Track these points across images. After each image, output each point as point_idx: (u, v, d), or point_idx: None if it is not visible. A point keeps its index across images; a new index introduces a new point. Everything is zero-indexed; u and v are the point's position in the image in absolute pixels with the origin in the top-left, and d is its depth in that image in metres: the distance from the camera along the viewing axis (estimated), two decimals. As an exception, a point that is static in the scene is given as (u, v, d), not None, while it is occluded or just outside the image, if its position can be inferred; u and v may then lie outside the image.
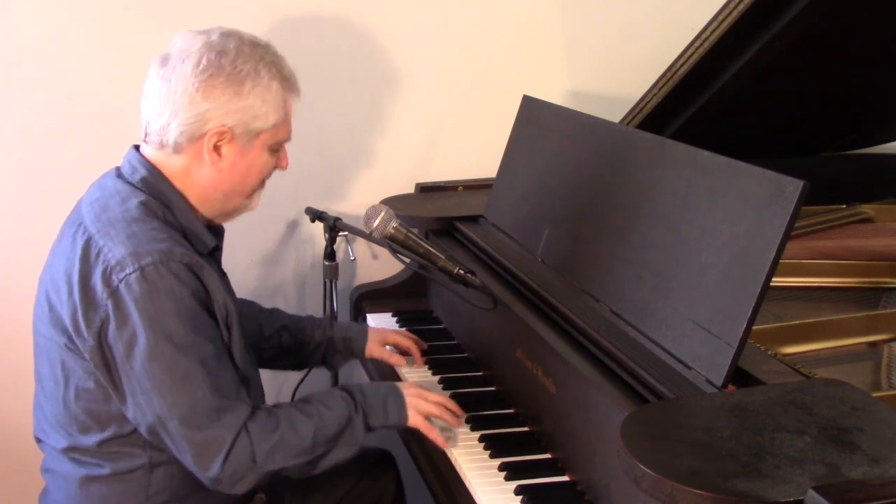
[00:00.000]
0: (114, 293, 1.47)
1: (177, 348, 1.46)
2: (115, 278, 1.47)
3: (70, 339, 1.52)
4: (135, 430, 1.55)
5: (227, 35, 1.59)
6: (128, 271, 1.46)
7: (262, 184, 1.68)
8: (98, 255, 1.50)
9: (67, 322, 1.52)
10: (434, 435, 1.68)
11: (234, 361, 1.59)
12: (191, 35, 1.58)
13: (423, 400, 1.69)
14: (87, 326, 1.49)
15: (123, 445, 1.57)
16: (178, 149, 1.58)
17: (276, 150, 1.66)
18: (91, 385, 1.54)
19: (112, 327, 1.47)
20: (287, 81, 1.62)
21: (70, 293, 1.51)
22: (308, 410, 1.59)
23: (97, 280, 1.48)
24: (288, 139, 1.67)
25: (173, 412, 1.47)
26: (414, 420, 1.67)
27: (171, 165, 1.60)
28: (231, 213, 1.69)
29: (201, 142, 1.56)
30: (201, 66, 1.53)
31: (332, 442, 1.59)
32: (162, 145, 1.58)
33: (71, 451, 1.59)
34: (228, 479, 1.51)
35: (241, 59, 1.55)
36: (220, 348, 1.54)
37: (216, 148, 1.57)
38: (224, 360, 1.54)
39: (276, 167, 1.68)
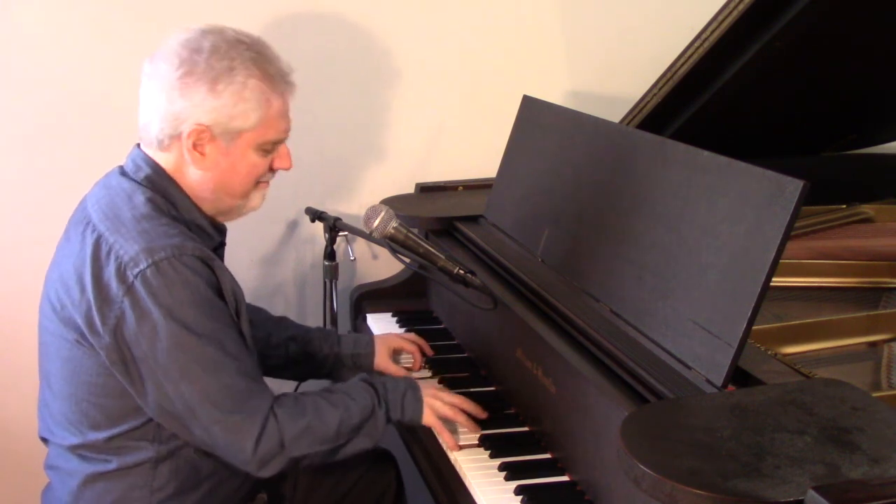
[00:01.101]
0: (130, 289, 1.47)
1: (199, 337, 1.48)
2: (129, 274, 1.48)
3: (82, 335, 1.53)
4: (145, 423, 1.56)
5: (207, 32, 1.57)
6: (142, 266, 1.47)
7: (257, 184, 1.65)
8: (109, 252, 1.50)
9: (80, 320, 1.52)
10: (446, 436, 1.69)
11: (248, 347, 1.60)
12: (179, 33, 1.58)
13: (439, 401, 1.70)
14: (103, 323, 1.49)
15: (131, 439, 1.57)
16: (162, 147, 1.59)
17: (269, 150, 1.62)
18: (104, 381, 1.54)
19: (131, 323, 1.48)
20: (270, 79, 1.57)
21: (83, 291, 1.51)
22: (333, 400, 1.62)
23: (110, 277, 1.49)
24: (279, 139, 1.63)
25: (203, 397, 1.49)
26: (428, 419, 1.69)
27: (166, 163, 1.60)
28: (227, 213, 1.67)
29: (181, 140, 1.56)
30: (176, 64, 1.53)
31: (354, 432, 1.61)
32: (149, 143, 1.60)
33: (79, 448, 1.60)
34: (258, 462, 1.53)
35: (215, 56, 1.53)
36: (239, 334, 1.57)
37: (196, 147, 1.56)
38: (243, 345, 1.57)
39: (277, 168, 1.66)
